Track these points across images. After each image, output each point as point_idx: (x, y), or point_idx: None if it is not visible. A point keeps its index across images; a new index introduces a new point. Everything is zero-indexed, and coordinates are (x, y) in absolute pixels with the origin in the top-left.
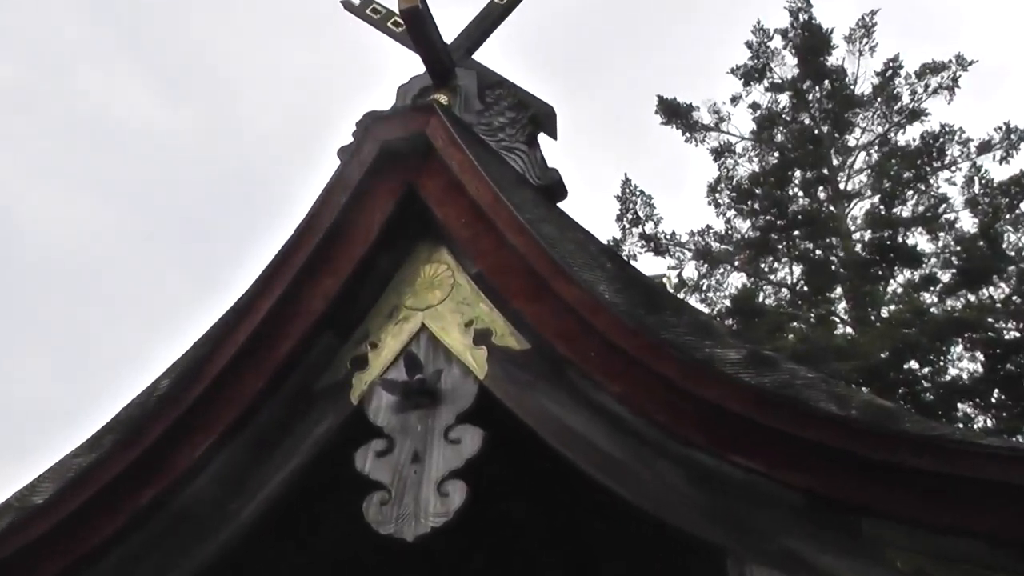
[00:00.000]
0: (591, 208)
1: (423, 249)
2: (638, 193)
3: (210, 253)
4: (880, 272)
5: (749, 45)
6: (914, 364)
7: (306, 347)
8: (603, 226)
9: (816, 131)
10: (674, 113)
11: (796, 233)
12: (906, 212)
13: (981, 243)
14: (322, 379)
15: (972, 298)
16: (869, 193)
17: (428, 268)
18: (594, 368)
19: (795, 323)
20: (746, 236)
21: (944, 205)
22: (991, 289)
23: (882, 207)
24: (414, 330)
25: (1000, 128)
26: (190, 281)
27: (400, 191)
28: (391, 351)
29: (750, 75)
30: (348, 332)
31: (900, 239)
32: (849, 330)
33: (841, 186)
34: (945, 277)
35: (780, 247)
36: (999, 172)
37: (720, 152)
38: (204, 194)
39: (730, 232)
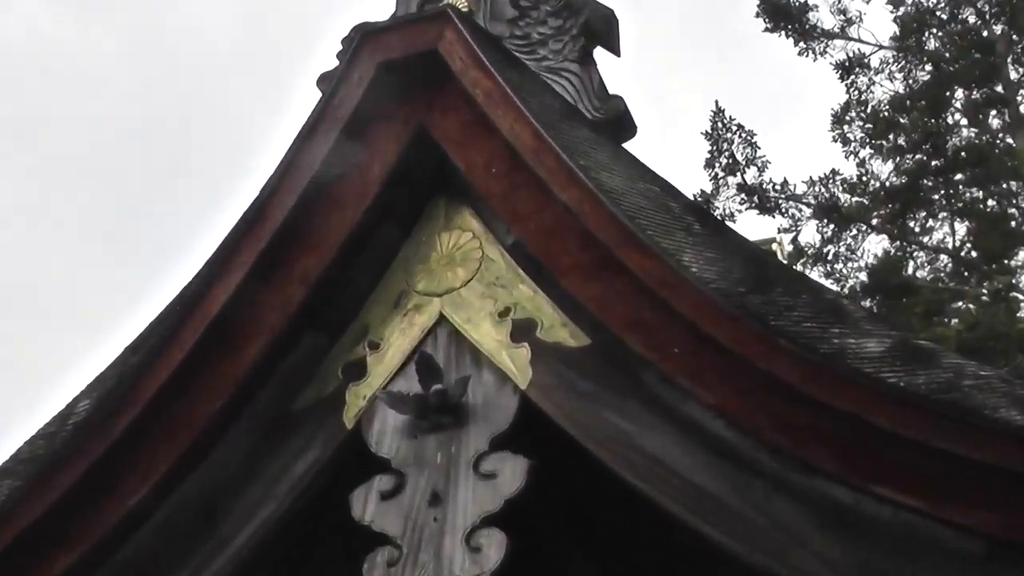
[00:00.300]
0: (670, 150)
1: (439, 212)
2: (734, 128)
3: (142, 222)
4: None
5: None
6: None
7: (280, 351)
8: (688, 174)
9: (985, 32)
10: (782, 15)
11: (959, 177)
12: None
13: None
14: (303, 395)
15: None
16: None
17: (447, 238)
18: (680, 370)
19: (960, 303)
20: (888, 184)
21: None
22: None
23: None
24: (429, 323)
25: None
26: (116, 264)
27: (406, 132)
28: (398, 353)
29: None
30: (338, 329)
31: None
32: None
33: (1022, 109)
34: None
35: (936, 197)
36: None
37: (848, 67)
38: (126, 139)
39: (865, 179)
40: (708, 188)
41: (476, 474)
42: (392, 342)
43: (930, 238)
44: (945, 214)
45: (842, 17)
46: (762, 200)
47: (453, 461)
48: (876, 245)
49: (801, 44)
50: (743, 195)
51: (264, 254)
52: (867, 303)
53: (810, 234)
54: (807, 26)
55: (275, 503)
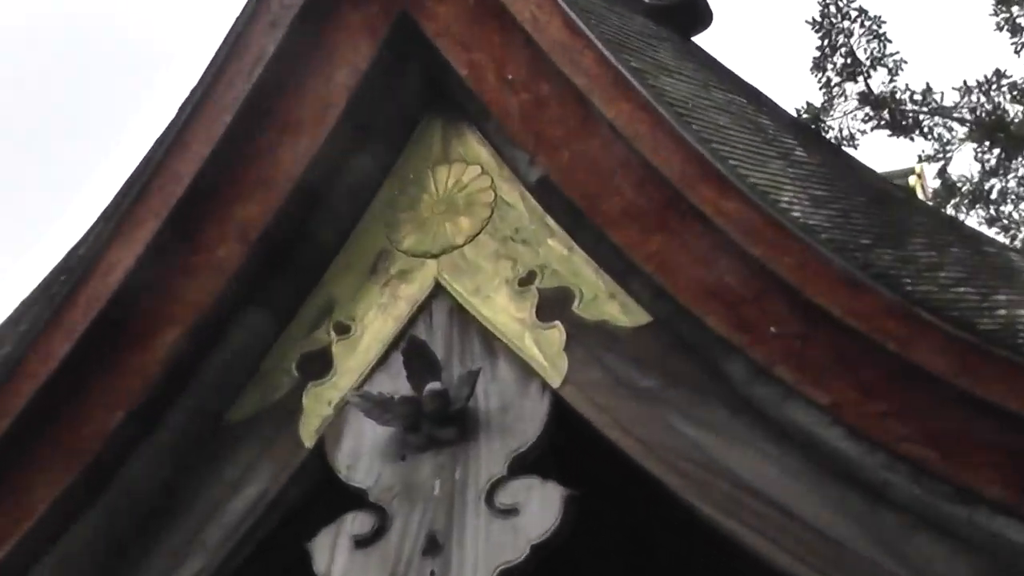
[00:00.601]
0: (761, 46)
1: (433, 137)
2: (854, 14)
3: (27, 161)
4: None
5: None
6: None
7: (208, 339)
8: (787, 81)
9: None
10: None
11: None
12: None
13: None
14: (242, 401)
15: None
16: None
17: (444, 174)
18: (780, 358)
19: None
20: None
21: None
22: None
23: None
24: (420, 296)
25: None
26: None
27: (384, 24)
28: (377, 340)
29: None
30: (291, 306)
31: None
32: None
33: None
34: None
35: None
36: None
37: None
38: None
39: None
40: (817, 99)
41: (490, 509)
42: (368, 324)
43: None
44: None
45: None
46: (895, 116)
47: (458, 492)
48: None
49: None
50: (867, 109)
51: (183, 203)
52: None
53: (964, 163)
54: None
55: (204, 555)
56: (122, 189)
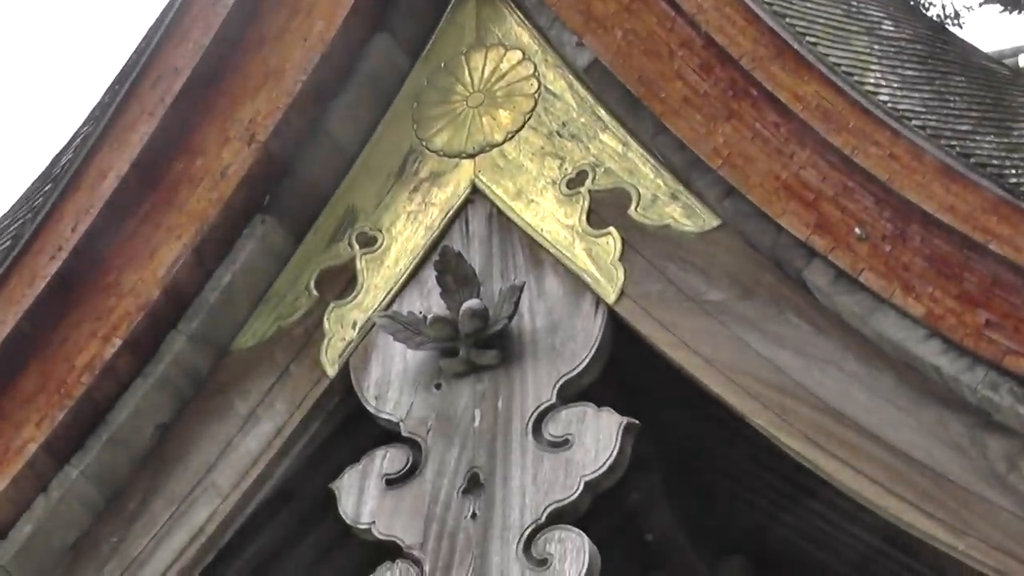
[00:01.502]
0: None
1: (466, 17)
2: None
3: None
4: None
5: None
6: None
7: (211, 252)
8: None
9: None
10: None
11: None
12: None
13: None
14: (253, 324)
15: None
16: None
17: (479, 60)
18: (869, 263)
19: None
20: None
21: None
22: None
23: None
24: (455, 202)
25: None
26: None
27: None
28: (406, 251)
29: None
30: (307, 216)
31: None
32: None
33: None
34: None
35: None
36: None
37: None
38: None
39: None
40: None
41: (538, 442)
42: (396, 234)
43: None
44: None
45: None
46: None
47: (501, 423)
48: None
49: None
50: None
51: (180, 100)
52: None
53: None
54: None
55: (213, 500)
56: (111, 86)
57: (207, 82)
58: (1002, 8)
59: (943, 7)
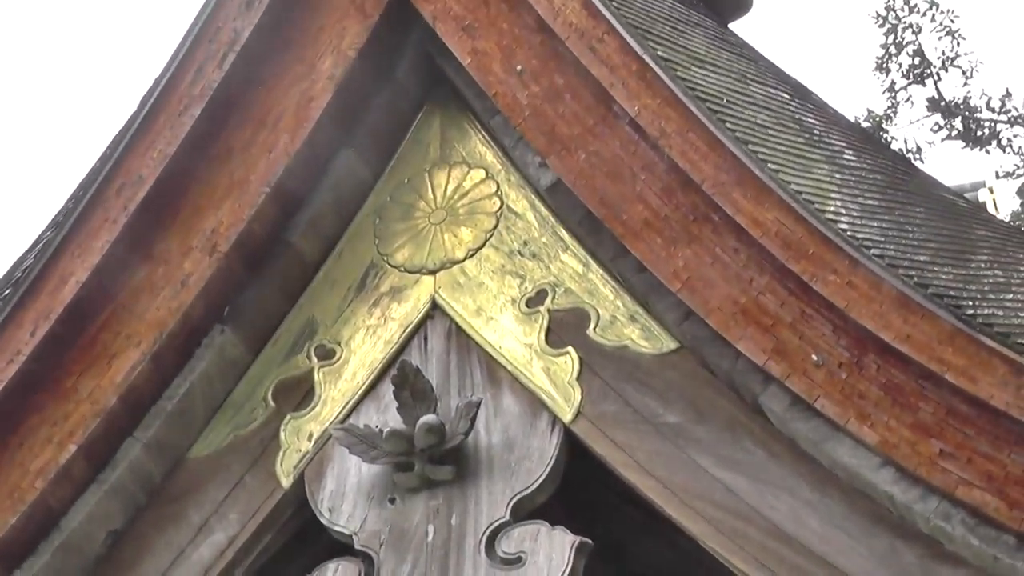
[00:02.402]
0: (812, 40)
1: (431, 135)
2: (923, 8)
3: None
4: None
5: None
6: None
7: (172, 361)
8: (844, 83)
9: None
10: None
11: None
12: None
13: None
14: (210, 433)
15: None
16: None
17: (442, 178)
18: (823, 391)
19: None
20: None
21: None
22: None
23: None
24: (414, 317)
25: None
26: None
27: (375, 5)
28: (364, 365)
29: None
30: (267, 327)
31: None
32: None
33: None
34: None
35: None
36: None
37: None
38: None
39: None
40: (879, 105)
41: (491, 560)
42: (355, 348)
43: None
44: None
45: None
46: (969, 125)
47: (454, 539)
48: None
49: None
50: (937, 117)
51: (143, 209)
52: None
53: None
54: None
55: None
56: (75, 192)
57: (172, 191)
58: (963, 144)
59: (905, 141)
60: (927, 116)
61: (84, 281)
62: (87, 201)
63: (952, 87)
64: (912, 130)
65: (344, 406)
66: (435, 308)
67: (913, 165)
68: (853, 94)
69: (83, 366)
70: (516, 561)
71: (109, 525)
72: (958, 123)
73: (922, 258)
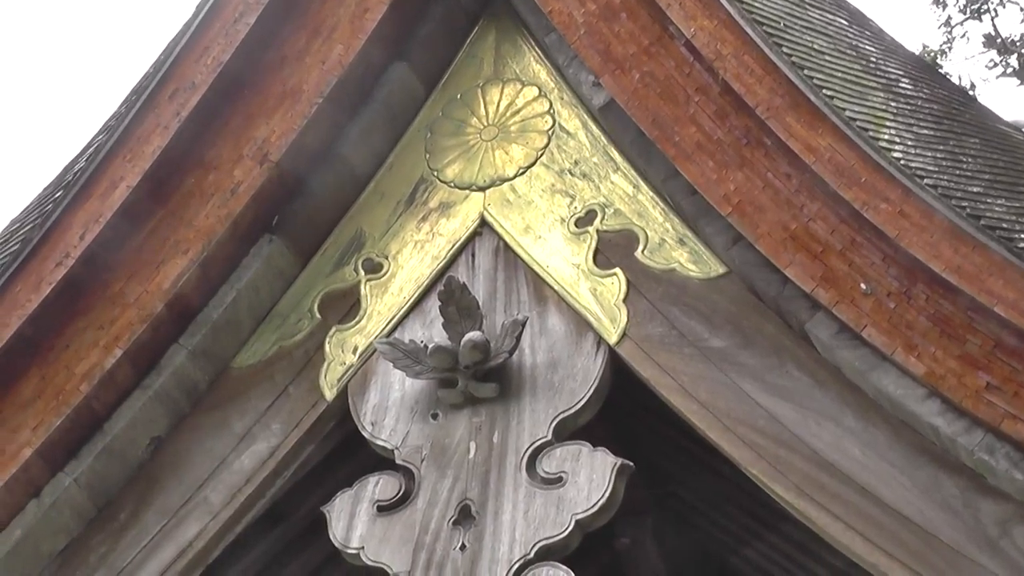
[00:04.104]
0: None
1: (484, 50)
2: None
3: None
4: None
5: None
6: None
7: (220, 269)
8: (901, 16)
9: None
10: None
11: None
12: None
13: None
14: (253, 343)
15: None
16: None
17: (495, 94)
18: (872, 319)
19: None
20: None
21: None
22: None
23: None
24: (463, 234)
25: None
26: None
27: None
28: (411, 280)
29: None
30: (314, 238)
31: None
32: None
33: None
34: None
35: None
36: None
37: None
38: None
39: None
40: (934, 41)
41: (531, 478)
42: (402, 262)
43: None
44: None
45: None
46: None
47: (495, 456)
48: None
49: None
50: (993, 54)
51: (196, 115)
52: None
53: None
54: None
55: (204, 516)
56: (128, 97)
57: (224, 99)
58: (1019, 82)
59: (959, 77)
60: (983, 52)
61: (135, 186)
62: (139, 106)
63: (1009, 24)
64: (967, 66)
65: (390, 320)
66: (484, 225)
67: (970, 96)
68: (909, 28)
69: (131, 271)
70: (557, 480)
71: (152, 431)
72: (1014, 60)
73: (975, 189)
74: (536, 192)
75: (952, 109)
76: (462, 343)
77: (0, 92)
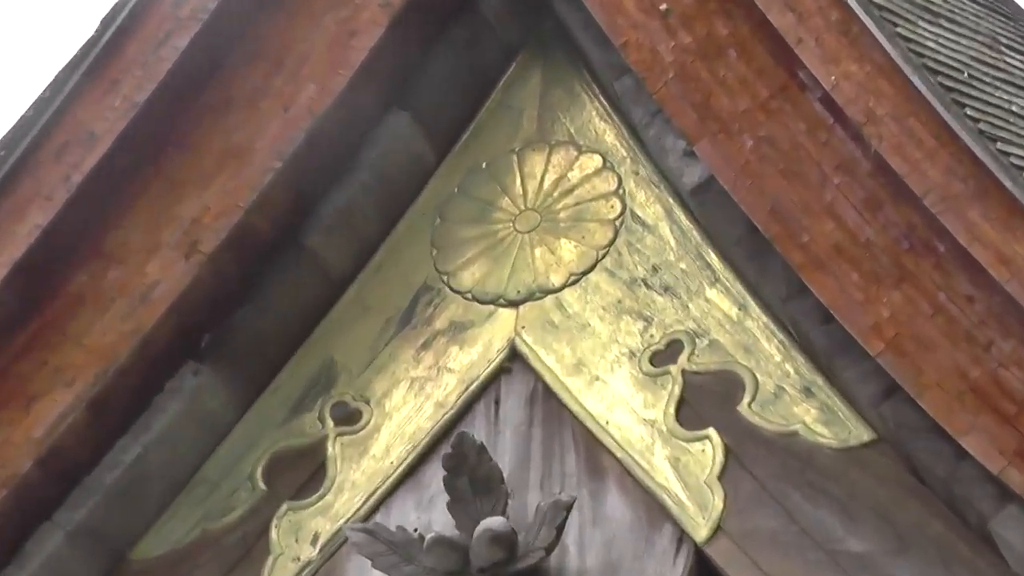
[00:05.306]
0: None
1: (526, 99)
2: None
3: None
4: None
5: None
6: None
7: (119, 410)
8: None
9: None
10: None
11: None
12: None
13: None
14: (167, 526)
15: None
16: None
17: (539, 162)
18: None
19: None
20: None
21: None
22: None
23: None
24: (482, 368)
25: None
26: None
27: None
28: (402, 435)
29: None
30: (264, 367)
31: None
32: None
33: None
34: None
35: None
36: None
37: None
38: None
39: None
40: None
41: None
42: (390, 409)
43: None
44: None
45: None
46: None
47: None
48: None
49: None
50: None
51: (95, 178)
52: None
53: None
54: None
55: None
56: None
57: (137, 158)
58: None
59: None
60: None
61: (1, 281)
62: (11, 165)
63: None
64: None
65: (369, 496)
66: (515, 358)
67: None
68: None
69: None
70: None
71: None
72: None
73: None
74: (594, 311)
75: None
76: (476, 534)
77: None
